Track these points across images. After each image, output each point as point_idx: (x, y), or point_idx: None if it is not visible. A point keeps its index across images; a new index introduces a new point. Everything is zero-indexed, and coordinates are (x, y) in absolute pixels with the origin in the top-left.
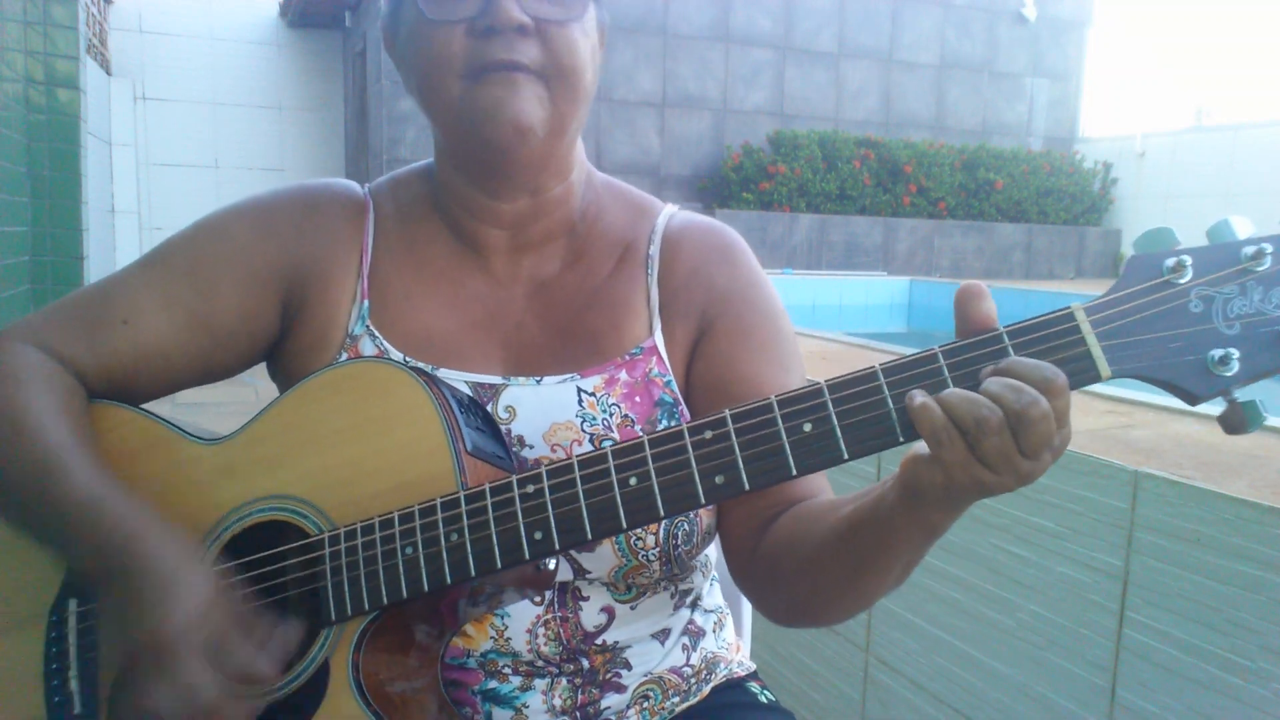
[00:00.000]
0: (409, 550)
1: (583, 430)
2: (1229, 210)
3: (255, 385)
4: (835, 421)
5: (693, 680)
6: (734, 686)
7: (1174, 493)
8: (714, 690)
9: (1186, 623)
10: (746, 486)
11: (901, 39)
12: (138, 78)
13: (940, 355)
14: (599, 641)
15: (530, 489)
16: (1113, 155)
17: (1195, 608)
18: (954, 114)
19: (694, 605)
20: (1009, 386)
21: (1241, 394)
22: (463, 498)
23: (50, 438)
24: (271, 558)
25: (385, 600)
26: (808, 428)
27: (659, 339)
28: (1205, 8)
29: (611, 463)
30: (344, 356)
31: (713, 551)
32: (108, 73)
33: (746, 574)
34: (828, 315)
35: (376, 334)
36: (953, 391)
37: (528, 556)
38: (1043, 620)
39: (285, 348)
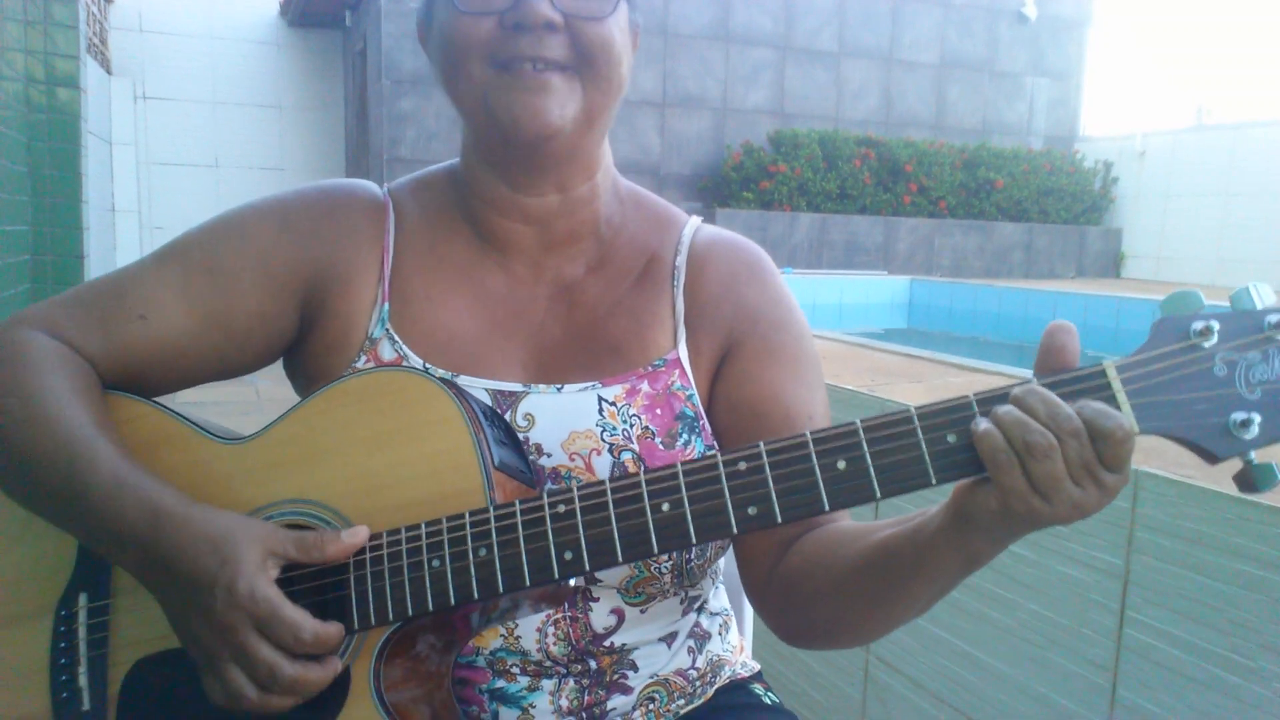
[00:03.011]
0: (436, 563)
1: (602, 440)
2: (1229, 210)
3: (256, 385)
4: (869, 461)
5: (698, 683)
6: (738, 688)
7: (1174, 492)
8: (718, 692)
9: (1186, 622)
10: (779, 519)
11: (902, 38)
12: (138, 77)
13: (974, 402)
14: (607, 643)
15: (561, 508)
16: (1113, 155)
17: (1195, 607)
18: (954, 113)
19: (701, 609)
20: (1044, 400)
21: (1256, 456)
22: (492, 513)
23: (70, 422)
24: (293, 563)
25: (410, 611)
26: (842, 465)
27: (683, 351)
28: (1206, 7)
29: (645, 488)
30: (363, 359)
31: (721, 559)
32: (108, 72)
33: (763, 593)
34: (828, 315)
35: (396, 337)
36: (1008, 410)
37: (557, 576)
38: (1043, 620)
39: (304, 348)
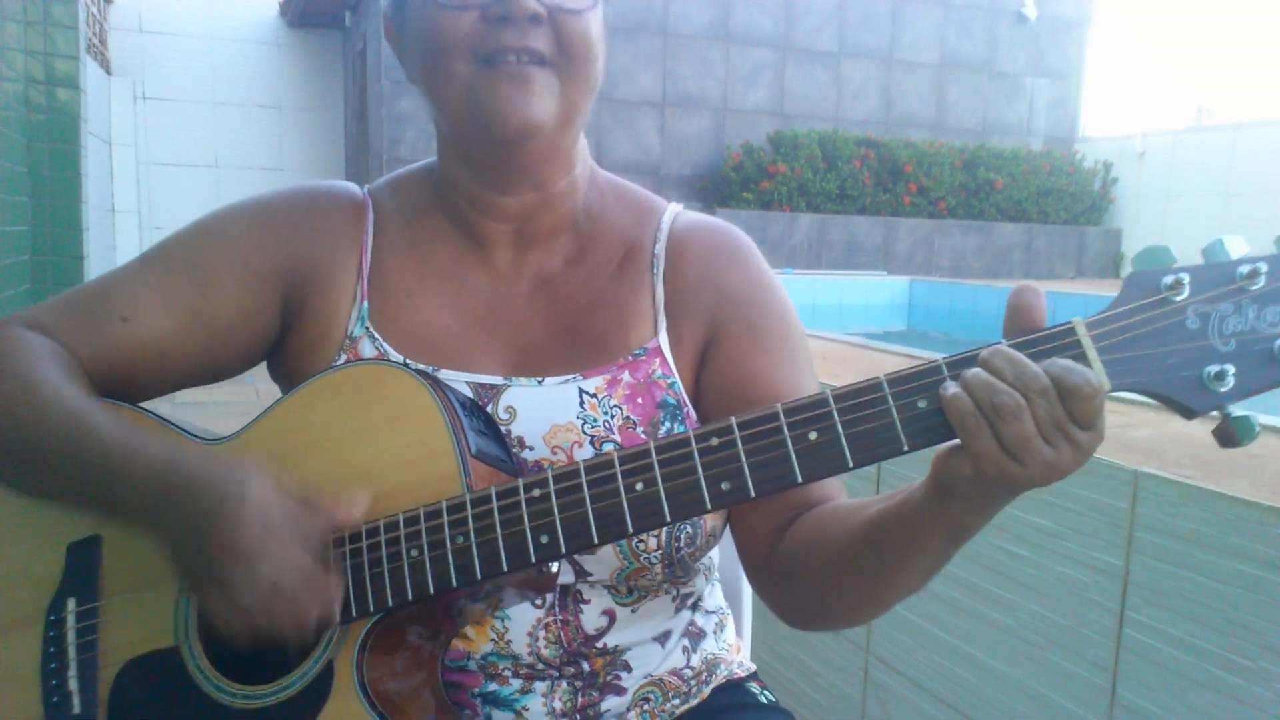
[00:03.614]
0: (414, 553)
1: (584, 432)
2: (1229, 210)
3: (255, 385)
4: (840, 430)
5: (693, 682)
6: (734, 687)
7: (1174, 493)
8: (714, 691)
9: (1186, 623)
10: (752, 494)
11: (902, 38)
12: (138, 77)
13: (944, 366)
14: (599, 645)
15: (536, 493)
16: (1113, 155)
17: (1195, 608)
18: (954, 114)
19: (695, 607)
20: (1010, 360)
21: (1235, 409)
22: (468, 501)
23: (68, 401)
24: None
25: (390, 602)
26: (813, 436)
27: (663, 340)
28: (1206, 7)
29: (618, 468)
30: (343, 358)
31: (715, 553)
32: (108, 72)
33: (763, 576)
34: (828, 315)
35: (376, 335)
36: (975, 373)
37: (533, 560)
38: (1043, 620)
39: (285, 348)
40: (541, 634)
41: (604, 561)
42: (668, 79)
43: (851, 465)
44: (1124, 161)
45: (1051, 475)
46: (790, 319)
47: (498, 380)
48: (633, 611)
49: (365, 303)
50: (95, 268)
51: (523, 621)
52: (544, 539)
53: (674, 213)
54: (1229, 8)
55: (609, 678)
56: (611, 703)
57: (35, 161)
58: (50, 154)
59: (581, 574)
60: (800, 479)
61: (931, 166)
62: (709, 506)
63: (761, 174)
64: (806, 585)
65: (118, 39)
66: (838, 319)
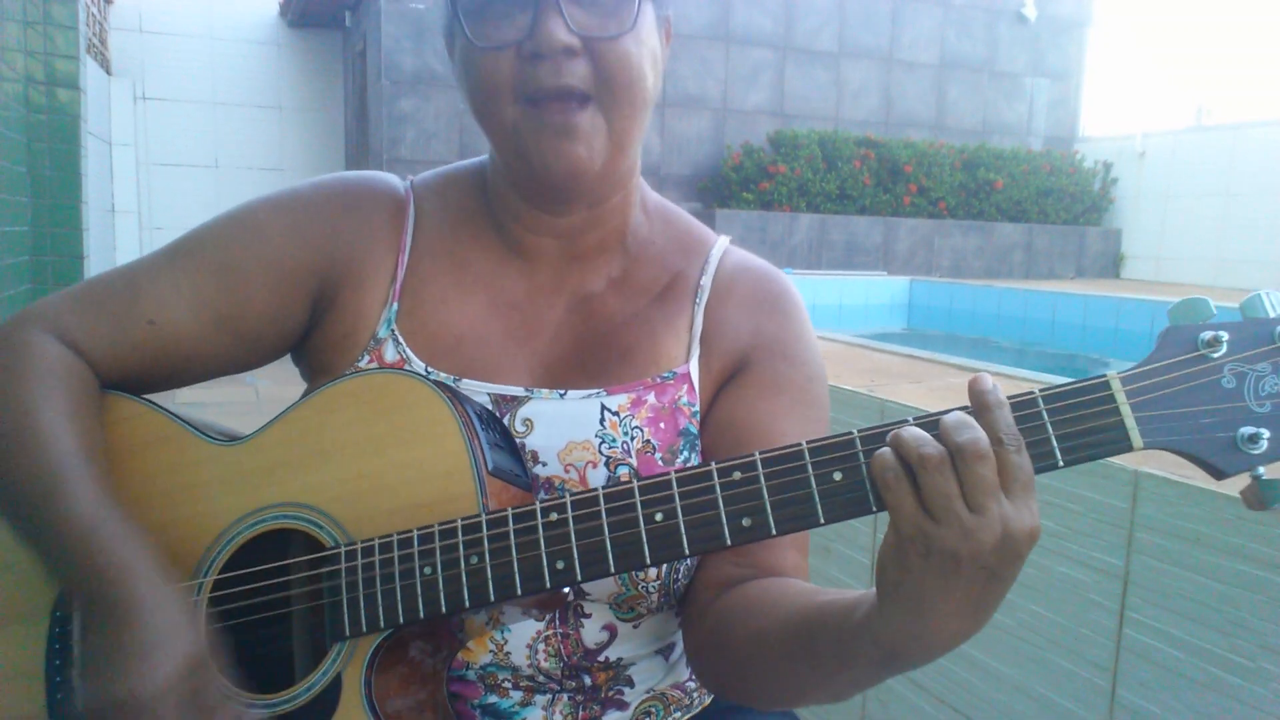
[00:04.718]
0: (428, 570)
1: (600, 452)
2: (1229, 210)
3: (256, 385)
4: (865, 472)
5: (695, 694)
6: None
7: (1174, 493)
8: (715, 699)
9: (1186, 623)
10: (774, 531)
11: (902, 39)
12: (138, 78)
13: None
14: (601, 659)
15: (554, 517)
16: (1113, 155)
17: (1195, 608)
18: (954, 114)
19: None
20: (961, 421)
21: (1265, 471)
22: (484, 521)
23: (57, 447)
24: (285, 567)
25: (402, 619)
26: (838, 476)
27: (694, 367)
28: (1206, 7)
29: (638, 497)
30: (366, 359)
31: None
32: (108, 72)
33: (694, 626)
34: (828, 315)
35: (400, 339)
36: (906, 428)
37: (549, 585)
38: (1043, 620)
39: (311, 340)
40: (541, 647)
41: (602, 584)
42: (667, 79)
43: (875, 510)
44: (1124, 161)
45: (973, 539)
46: (816, 384)
47: (519, 391)
48: (634, 627)
49: (395, 305)
50: (95, 268)
51: (522, 634)
52: (560, 565)
53: (723, 247)
54: (1229, 8)
55: (611, 692)
56: (613, 717)
57: (35, 161)
58: (50, 154)
59: (580, 592)
60: (822, 520)
61: (931, 166)
62: (728, 542)
63: (761, 174)
64: (728, 649)
65: (118, 39)
66: (838, 319)
